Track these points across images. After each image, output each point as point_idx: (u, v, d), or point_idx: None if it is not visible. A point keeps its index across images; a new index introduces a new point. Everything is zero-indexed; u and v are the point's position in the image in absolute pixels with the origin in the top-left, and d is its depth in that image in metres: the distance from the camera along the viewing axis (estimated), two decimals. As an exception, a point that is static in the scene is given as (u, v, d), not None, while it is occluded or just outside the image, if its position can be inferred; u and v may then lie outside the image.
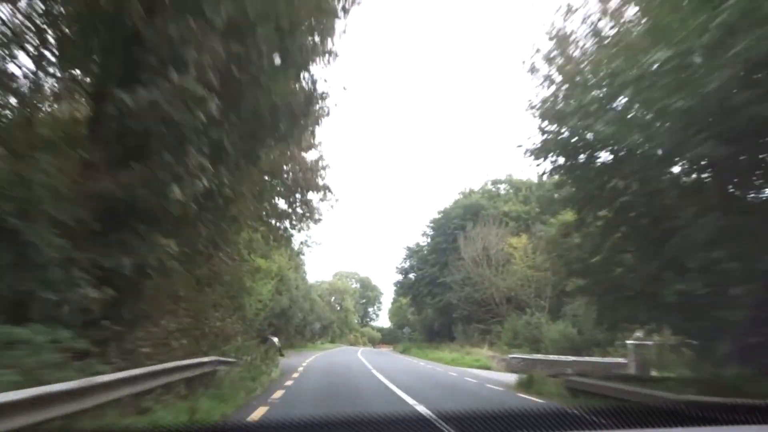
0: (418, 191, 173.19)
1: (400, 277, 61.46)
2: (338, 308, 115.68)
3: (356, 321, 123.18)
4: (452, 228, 53.98)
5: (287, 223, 25.40)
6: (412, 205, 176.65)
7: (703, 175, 11.97)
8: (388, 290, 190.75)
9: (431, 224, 58.61)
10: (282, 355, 34.07)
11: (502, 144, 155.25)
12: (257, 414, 9.44)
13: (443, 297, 52.83)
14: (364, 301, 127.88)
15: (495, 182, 58.91)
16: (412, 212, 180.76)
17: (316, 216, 25.26)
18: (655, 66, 9.74)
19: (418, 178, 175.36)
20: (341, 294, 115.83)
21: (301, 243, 30.21)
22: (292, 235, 26.31)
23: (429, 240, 58.45)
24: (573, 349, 34.18)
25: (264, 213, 22.75)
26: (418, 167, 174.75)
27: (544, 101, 15.06)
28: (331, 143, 71.78)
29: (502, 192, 58.51)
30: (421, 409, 10.34)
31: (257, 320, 32.51)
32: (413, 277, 57.76)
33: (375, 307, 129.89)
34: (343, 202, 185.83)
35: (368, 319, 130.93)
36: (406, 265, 60.33)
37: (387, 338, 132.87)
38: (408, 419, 1.94)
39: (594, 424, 1.98)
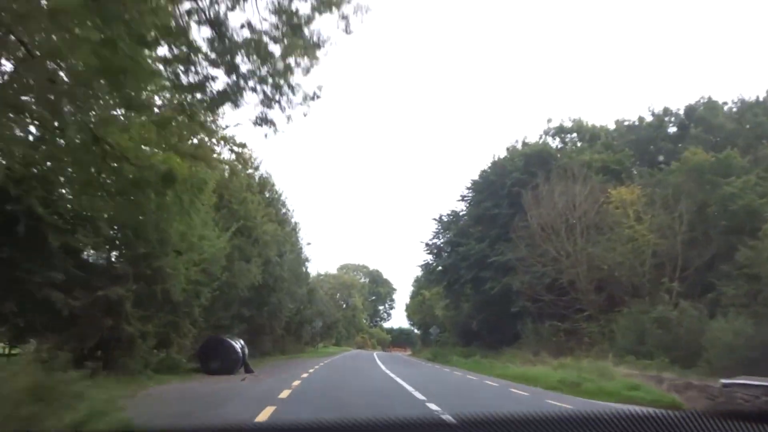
0: (434, 176, 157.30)
1: (428, 258, 45.64)
2: (344, 306, 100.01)
3: (365, 321, 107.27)
4: (509, 186, 38.23)
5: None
6: (427, 192, 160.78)
7: None
8: (402, 285, 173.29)
9: (472, 187, 42.84)
10: (251, 371, 18.73)
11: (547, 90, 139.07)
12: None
13: (496, 283, 37.08)
14: (373, 298, 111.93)
15: (559, 131, 43.11)
16: (427, 200, 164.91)
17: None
18: None
19: (432, 163, 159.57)
20: (348, 289, 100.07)
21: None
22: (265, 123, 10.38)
23: (470, 206, 42.61)
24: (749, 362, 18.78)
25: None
26: (432, 151, 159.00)
27: None
28: (337, 128, 55.89)
29: (568, 142, 42.75)
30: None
31: (198, 306, 16.94)
32: (449, 258, 41.86)
33: (386, 305, 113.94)
34: (351, 188, 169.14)
35: (378, 319, 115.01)
36: (440, 241, 44.51)
37: (397, 340, 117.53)
38: (425, 423, 1.82)
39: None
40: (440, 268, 43.35)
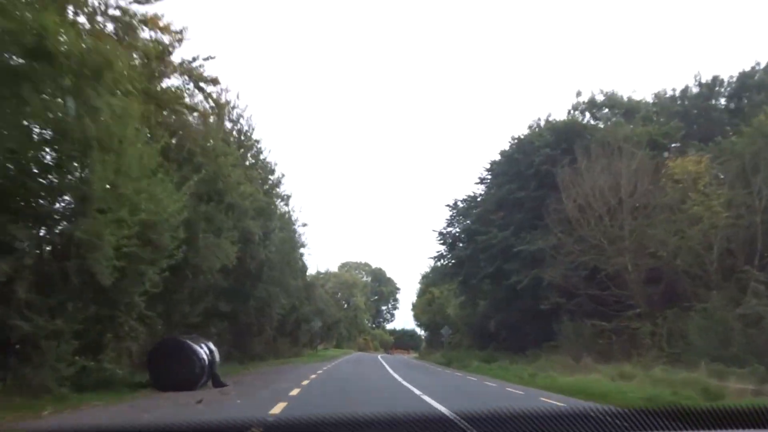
0: (440, 169, 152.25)
1: (441, 249, 40.40)
2: (345, 306, 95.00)
3: (367, 321, 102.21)
4: (537, 164, 33.16)
5: None
6: (432, 185, 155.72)
7: None
8: (406, 284, 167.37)
9: (492, 168, 37.78)
10: (221, 385, 13.71)
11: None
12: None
13: (522, 276, 32.01)
14: (376, 297, 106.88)
15: (590, 106, 38.00)
16: (432, 194, 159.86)
17: None
18: None
19: (439, 155, 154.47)
20: (349, 288, 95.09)
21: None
22: None
23: (490, 190, 37.55)
24: None
25: None
26: (437, 143, 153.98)
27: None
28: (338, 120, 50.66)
29: (602, 118, 37.65)
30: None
31: (140, 293, 11.87)
32: (465, 249, 36.76)
33: (389, 305, 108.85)
34: (351, 183, 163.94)
35: (381, 320, 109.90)
36: (455, 229, 39.38)
37: (400, 342, 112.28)
38: (429, 419, 1.87)
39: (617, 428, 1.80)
40: (455, 261, 38.15)
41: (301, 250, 36.33)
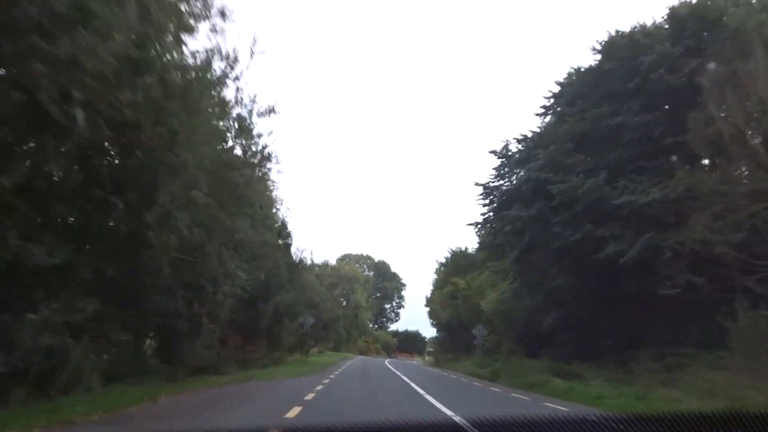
0: (448, 154, 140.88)
1: (484, 214, 28.63)
2: (344, 303, 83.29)
3: (369, 321, 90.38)
4: (644, 72, 21.44)
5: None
6: (439, 170, 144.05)
7: None
8: (413, 280, 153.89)
9: (564, 91, 26.03)
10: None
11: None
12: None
13: (624, 245, 20.37)
14: (378, 294, 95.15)
15: None
16: (439, 179, 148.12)
17: None
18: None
19: (446, 135, 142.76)
20: (349, 283, 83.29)
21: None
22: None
23: (559, 123, 25.76)
24: None
25: None
26: (445, 119, 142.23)
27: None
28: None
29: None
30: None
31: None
32: (527, 208, 24.92)
33: (394, 303, 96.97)
34: (350, 169, 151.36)
35: (384, 319, 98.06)
36: (506, 182, 27.64)
37: (403, 345, 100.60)
38: (440, 426, 1.99)
39: None
40: (510, 228, 26.37)
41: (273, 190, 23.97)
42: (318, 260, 74.00)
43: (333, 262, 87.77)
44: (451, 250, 47.79)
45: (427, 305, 55.08)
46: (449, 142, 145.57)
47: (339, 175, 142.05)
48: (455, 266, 46.22)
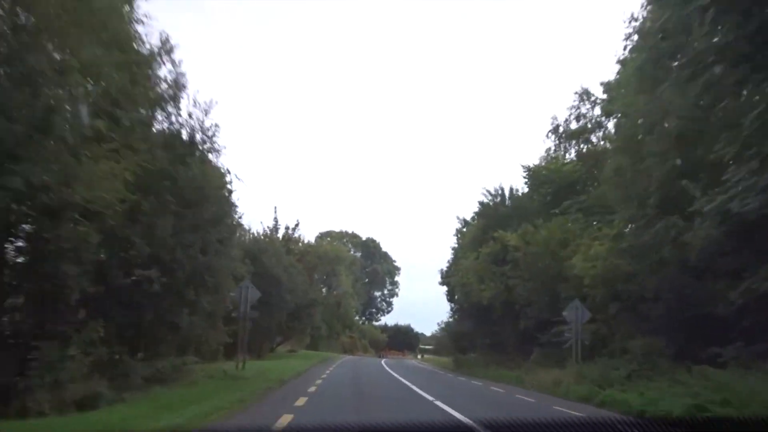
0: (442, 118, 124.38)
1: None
2: (324, 291, 66.37)
3: (356, 314, 73.23)
4: None
5: None
6: (432, 138, 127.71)
7: None
8: (409, 264, 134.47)
9: None
10: None
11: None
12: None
13: None
14: (366, 280, 78.15)
15: None
16: (433, 149, 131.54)
17: None
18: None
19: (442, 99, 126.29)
20: (331, 264, 66.14)
21: None
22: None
23: None
24: None
25: None
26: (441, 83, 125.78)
27: None
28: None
29: None
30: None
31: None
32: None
33: (385, 291, 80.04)
34: (332, 139, 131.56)
35: (374, 310, 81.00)
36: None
37: (393, 341, 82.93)
38: (449, 427, 1.88)
39: None
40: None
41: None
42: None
43: (312, 240, 70.76)
44: (488, 192, 31.25)
45: (444, 282, 38.20)
46: (445, 104, 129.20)
47: (319, 145, 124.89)
48: (496, 217, 29.66)
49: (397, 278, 78.83)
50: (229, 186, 14.52)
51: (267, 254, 30.46)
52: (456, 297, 35.33)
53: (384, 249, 78.24)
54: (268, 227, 37.72)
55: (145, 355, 14.98)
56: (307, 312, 39.23)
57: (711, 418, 1.94)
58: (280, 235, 39.72)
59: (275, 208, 61.32)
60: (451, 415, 10.22)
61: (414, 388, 16.58)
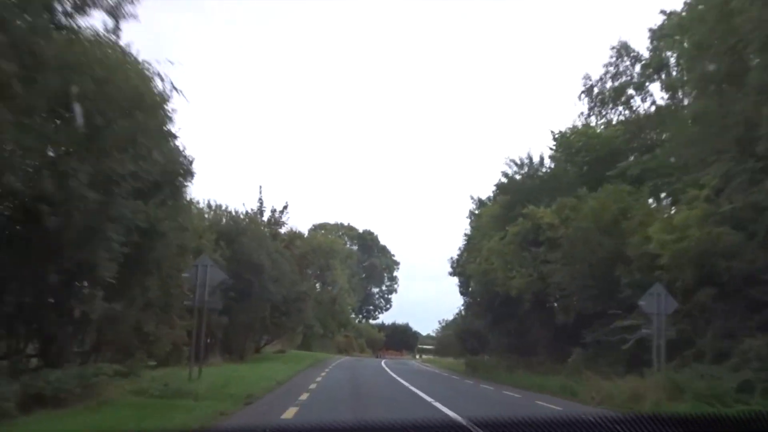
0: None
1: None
2: (318, 286, 61.40)
3: (353, 311, 68.01)
4: None
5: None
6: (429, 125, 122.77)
7: None
8: (409, 260, 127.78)
9: None
10: None
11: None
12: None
13: None
14: (363, 276, 73.07)
15: None
16: (429, 137, 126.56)
17: None
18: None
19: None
20: (325, 257, 61.05)
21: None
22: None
23: None
24: None
25: None
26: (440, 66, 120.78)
27: None
28: None
29: None
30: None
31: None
32: None
33: (384, 288, 75.00)
34: (326, 129, 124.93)
35: (371, 307, 75.89)
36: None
37: (390, 341, 78.31)
38: (442, 425, 1.90)
39: None
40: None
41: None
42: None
43: (305, 233, 65.56)
44: (512, 162, 26.05)
45: (457, 272, 32.85)
46: (448, 79, 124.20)
47: (312, 135, 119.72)
48: (523, 192, 24.55)
49: (396, 273, 73.83)
50: (160, 95, 9.32)
51: (247, 236, 25.44)
52: (471, 289, 30.27)
53: (382, 243, 73.27)
54: (251, 209, 32.66)
55: (44, 360, 9.97)
56: (296, 306, 34.10)
57: (712, 417, 1.52)
58: (265, 218, 34.60)
59: (260, 187, 56.22)
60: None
61: (441, 407, 11.61)
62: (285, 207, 35.22)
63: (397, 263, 73.69)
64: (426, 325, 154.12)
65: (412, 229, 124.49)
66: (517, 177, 25.94)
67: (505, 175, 26.27)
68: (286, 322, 34.28)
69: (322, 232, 69.90)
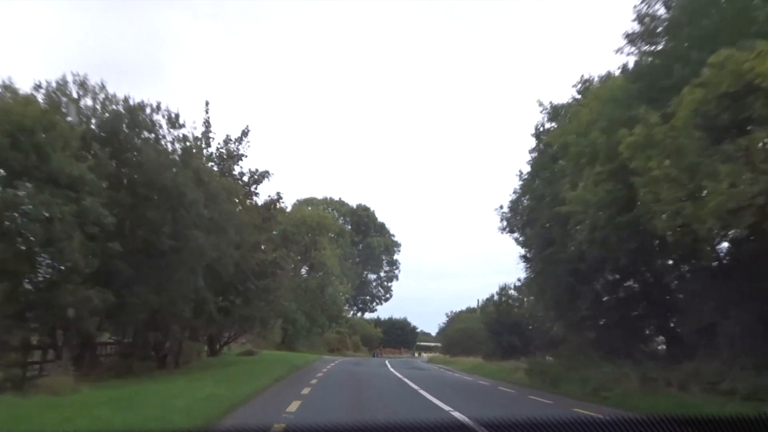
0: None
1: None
2: (304, 272, 49.69)
3: (345, 299, 55.88)
4: None
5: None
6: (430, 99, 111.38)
7: None
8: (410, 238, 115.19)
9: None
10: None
11: None
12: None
13: None
14: (358, 260, 61.01)
15: None
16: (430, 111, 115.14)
17: None
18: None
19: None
20: (311, 234, 49.15)
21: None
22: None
23: None
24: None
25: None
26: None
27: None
28: None
29: None
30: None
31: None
32: None
33: (383, 274, 63.02)
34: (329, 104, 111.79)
35: (367, 297, 63.84)
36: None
37: (387, 338, 70.16)
38: (446, 426, 1.88)
39: None
40: None
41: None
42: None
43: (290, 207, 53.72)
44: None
45: (510, 228, 20.39)
46: (447, 42, 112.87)
47: (301, 104, 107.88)
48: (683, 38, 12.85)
49: (396, 257, 61.84)
50: None
51: (149, 144, 13.57)
52: (532, 251, 18.27)
53: (380, 220, 61.21)
54: (192, 132, 20.60)
55: None
56: (263, 284, 21.99)
57: (712, 417, 1.54)
58: (214, 148, 22.48)
59: (207, 102, 43.54)
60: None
61: None
62: (244, 133, 22.93)
63: (397, 244, 61.78)
64: (425, 320, 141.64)
65: (414, 229, 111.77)
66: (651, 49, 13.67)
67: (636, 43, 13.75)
68: (246, 311, 21.96)
69: (309, 208, 58.11)
